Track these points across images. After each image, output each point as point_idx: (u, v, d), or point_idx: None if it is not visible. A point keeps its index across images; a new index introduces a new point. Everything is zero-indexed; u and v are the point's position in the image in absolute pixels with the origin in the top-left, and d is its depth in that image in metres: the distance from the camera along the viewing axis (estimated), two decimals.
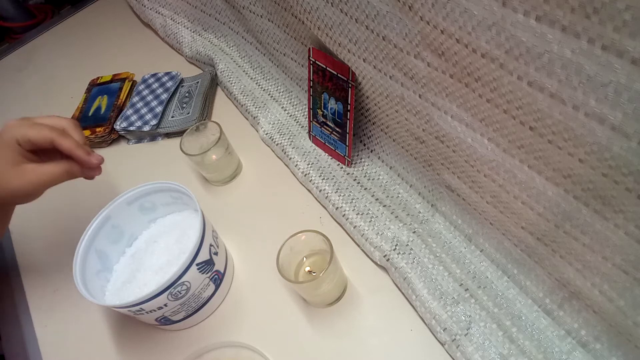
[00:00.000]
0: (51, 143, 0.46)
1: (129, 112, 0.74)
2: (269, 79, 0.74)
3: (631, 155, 0.29)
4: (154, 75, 0.79)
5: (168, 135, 0.74)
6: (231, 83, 0.75)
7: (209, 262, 0.48)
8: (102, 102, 0.79)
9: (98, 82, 0.83)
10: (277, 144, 0.65)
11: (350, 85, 0.53)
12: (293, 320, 0.50)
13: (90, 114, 0.77)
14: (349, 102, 0.54)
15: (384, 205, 0.55)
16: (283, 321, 0.50)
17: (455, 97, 0.40)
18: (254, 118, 0.70)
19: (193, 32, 0.85)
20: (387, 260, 0.50)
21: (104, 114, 0.76)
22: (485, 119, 0.38)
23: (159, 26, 0.90)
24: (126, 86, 0.80)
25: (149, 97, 0.76)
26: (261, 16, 0.65)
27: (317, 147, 0.64)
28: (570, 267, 0.39)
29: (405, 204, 0.55)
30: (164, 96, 0.75)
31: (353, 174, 0.59)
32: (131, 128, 0.72)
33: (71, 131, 0.48)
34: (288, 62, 0.67)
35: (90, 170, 0.48)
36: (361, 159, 0.60)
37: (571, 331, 0.42)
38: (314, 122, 0.62)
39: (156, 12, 0.90)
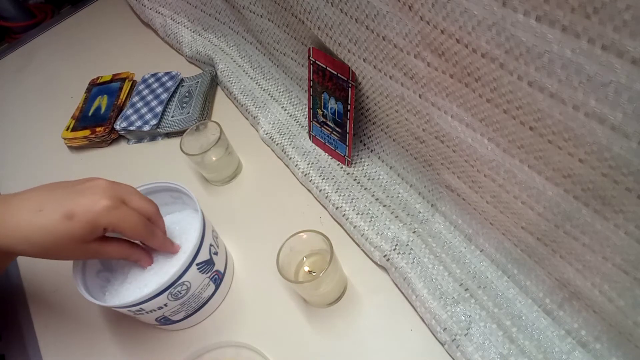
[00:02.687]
0: (141, 241, 0.45)
1: (129, 111, 0.74)
2: (269, 79, 0.74)
3: (631, 155, 0.29)
4: (154, 75, 0.79)
5: (168, 135, 0.74)
6: (231, 83, 0.75)
7: (209, 262, 0.48)
8: (102, 101, 0.79)
9: (98, 81, 0.83)
10: (277, 144, 0.65)
11: (350, 85, 0.53)
12: (293, 320, 0.50)
13: (90, 113, 0.77)
14: (349, 102, 0.54)
15: (384, 205, 0.55)
16: (283, 321, 0.50)
17: (455, 97, 0.40)
18: (254, 118, 0.70)
19: (193, 32, 0.85)
20: (387, 260, 0.50)
21: (104, 113, 0.76)
22: (485, 119, 0.38)
23: (159, 26, 0.90)
24: (126, 86, 0.80)
25: (149, 97, 0.75)
26: (261, 16, 0.65)
27: (317, 147, 0.64)
28: (570, 267, 0.39)
29: (405, 204, 0.55)
30: (164, 96, 0.75)
31: (353, 173, 0.59)
32: (131, 128, 0.72)
33: (157, 220, 0.46)
34: (288, 62, 0.67)
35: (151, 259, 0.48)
36: (361, 158, 0.60)
37: (571, 331, 0.42)
38: (314, 122, 0.62)
39: (156, 11, 0.90)
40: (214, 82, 0.78)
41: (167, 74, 0.79)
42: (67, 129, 0.76)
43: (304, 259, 0.50)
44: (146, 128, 0.72)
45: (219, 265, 0.51)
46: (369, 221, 0.53)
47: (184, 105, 0.74)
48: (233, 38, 0.79)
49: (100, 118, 0.76)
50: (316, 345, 0.48)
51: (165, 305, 0.45)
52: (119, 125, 0.73)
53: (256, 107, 0.70)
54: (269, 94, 0.72)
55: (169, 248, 0.47)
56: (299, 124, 0.67)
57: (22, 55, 1.03)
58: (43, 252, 0.39)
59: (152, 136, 0.74)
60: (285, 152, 0.64)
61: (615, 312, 0.37)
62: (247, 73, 0.76)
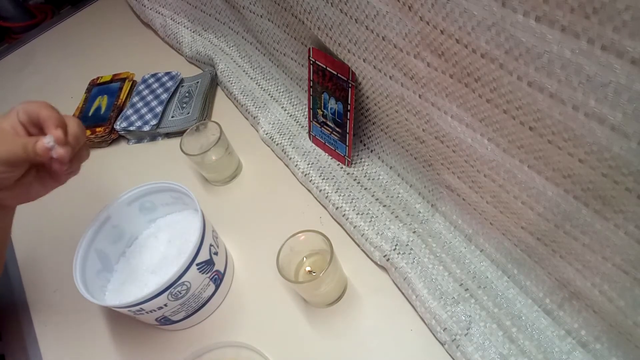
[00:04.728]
0: (37, 114, 0.40)
1: (129, 112, 0.74)
2: (269, 79, 0.74)
3: (631, 155, 0.29)
4: (154, 75, 0.79)
5: (168, 135, 0.74)
6: (231, 83, 0.75)
7: (209, 262, 0.48)
8: (102, 102, 0.79)
9: (98, 82, 0.83)
10: (277, 144, 0.65)
11: (350, 85, 0.53)
12: (293, 320, 0.50)
13: (90, 114, 0.77)
14: (349, 102, 0.54)
15: (384, 205, 0.55)
16: (283, 321, 0.50)
17: (455, 97, 0.40)
18: (254, 118, 0.70)
19: (193, 32, 0.85)
20: (387, 260, 0.50)
21: (104, 114, 0.76)
22: (485, 119, 0.38)
23: (159, 26, 0.90)
24: (126, 86, 0.80)
25: (149, 97, 0.76)
26: (261, 16, 0.65)
27: (317, 147, 0.64)
28: (570, 267, 0.39)
29: (405, 204, 0.55)
30: (164, 96, 0.75)
31: (353, 174, 0.59)
32: (131, 128, 0.72)
33: (71, 122, 0.41)
34: (288, 62, 0.67)
35: (43, 154, 0.39)
36: (361, 159, 0.60)
37: (571, 331, 0.42)
38: (314, 122, 0.62)
39: (156, 12, 0.90)
40: (214, 82, 0.78)
41: (167, 74, 0.79)
42: None
43: (304, 259, 0.50)
44: (146, 128, 0.72)
45: (219, 265, 0.51)
46: (369, 221, 0.54)
47: (184, 105, 0.74)
48: (233, 38, 0.79)
49: (100, 118, 0.76)
50: (316, 345, 0.48)
51: (165, 305, 0.45)
52: (119, 125, 0.73)
53: (256, 107, 0.70)
54: (269, 94, 0.72)
55: (54, 129, 0.40)
56: (299, 124, 0.67)
57: (22, 56, 1.03)
58: None
59: (152, 136, 0.74)
60: (285, 152, 0.64)
61: (615, 312, 0.37)
62: (247, 73, 0.76)
